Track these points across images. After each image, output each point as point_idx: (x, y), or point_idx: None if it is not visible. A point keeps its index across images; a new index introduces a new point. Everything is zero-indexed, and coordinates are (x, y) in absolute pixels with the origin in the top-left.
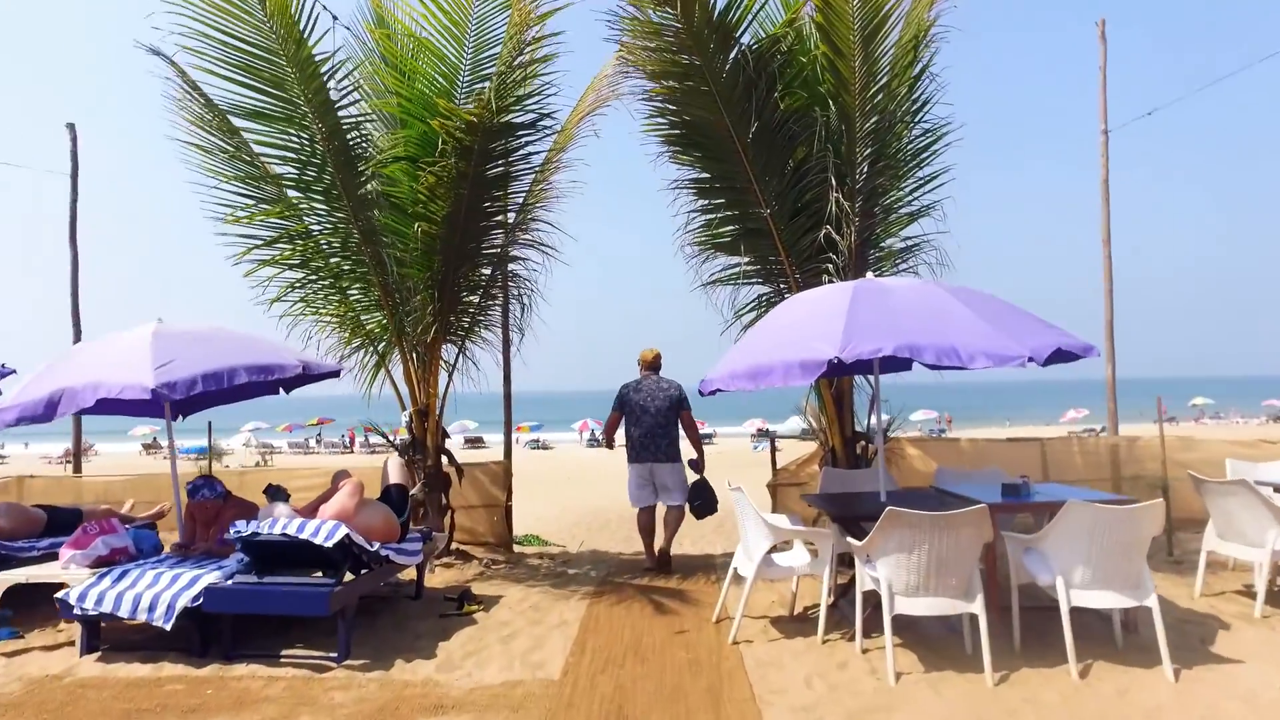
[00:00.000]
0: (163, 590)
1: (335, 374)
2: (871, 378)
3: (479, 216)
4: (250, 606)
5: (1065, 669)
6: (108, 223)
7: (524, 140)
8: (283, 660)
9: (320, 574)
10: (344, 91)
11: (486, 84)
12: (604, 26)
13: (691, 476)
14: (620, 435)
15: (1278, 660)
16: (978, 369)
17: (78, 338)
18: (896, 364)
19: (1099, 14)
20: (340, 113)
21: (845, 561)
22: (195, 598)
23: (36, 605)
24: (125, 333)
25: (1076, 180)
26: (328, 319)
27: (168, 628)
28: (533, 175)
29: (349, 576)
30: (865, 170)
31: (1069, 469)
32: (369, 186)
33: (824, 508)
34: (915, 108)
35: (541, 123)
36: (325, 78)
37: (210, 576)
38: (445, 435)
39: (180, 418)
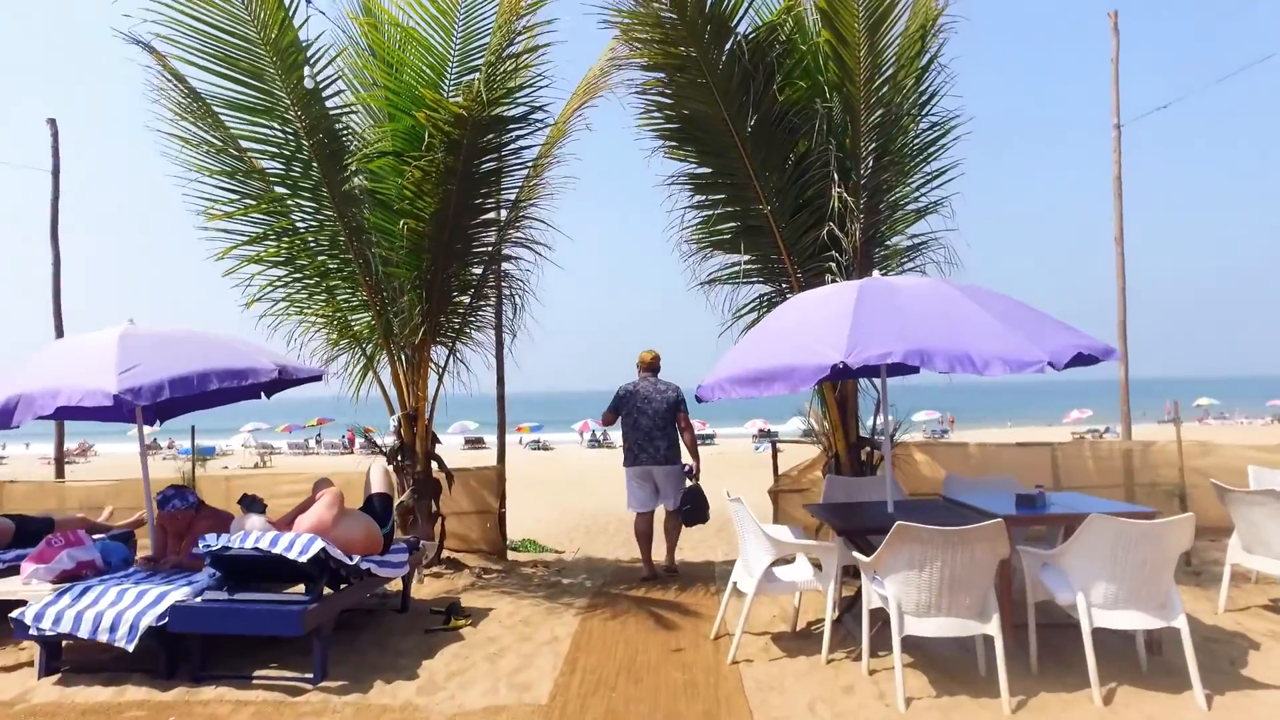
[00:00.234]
0: (125, 609)
1: (317, 377)
2: (875, 381)
3: (469, 213)
4: (218, 626)
5: (1087, 694)
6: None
7: (515, 134)
8: (254, 682)
9: (299, 589)
10: (328, 81)
11: (476, 75)
12: (596, 16)
13: (687, 482)
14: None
15: None
16: (993, 376)
17: (60, 337)
18: (904, 367)
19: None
20: (325, 104)
21: (850, 573)
22: (160, 617)
23: None
24: (92, 335)
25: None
26: (313, 319)
27: (130, 649)
28: (525, 171)
29: (328, 591)
30: (870, 165)
31: (1081, 475)
32: (355, 182)
33: (828, 520)
34: (922, 100)
35: (533, 116)
36: (307, 68)
37: (177, 593)
38: (435, 440)
39: (158, 423)
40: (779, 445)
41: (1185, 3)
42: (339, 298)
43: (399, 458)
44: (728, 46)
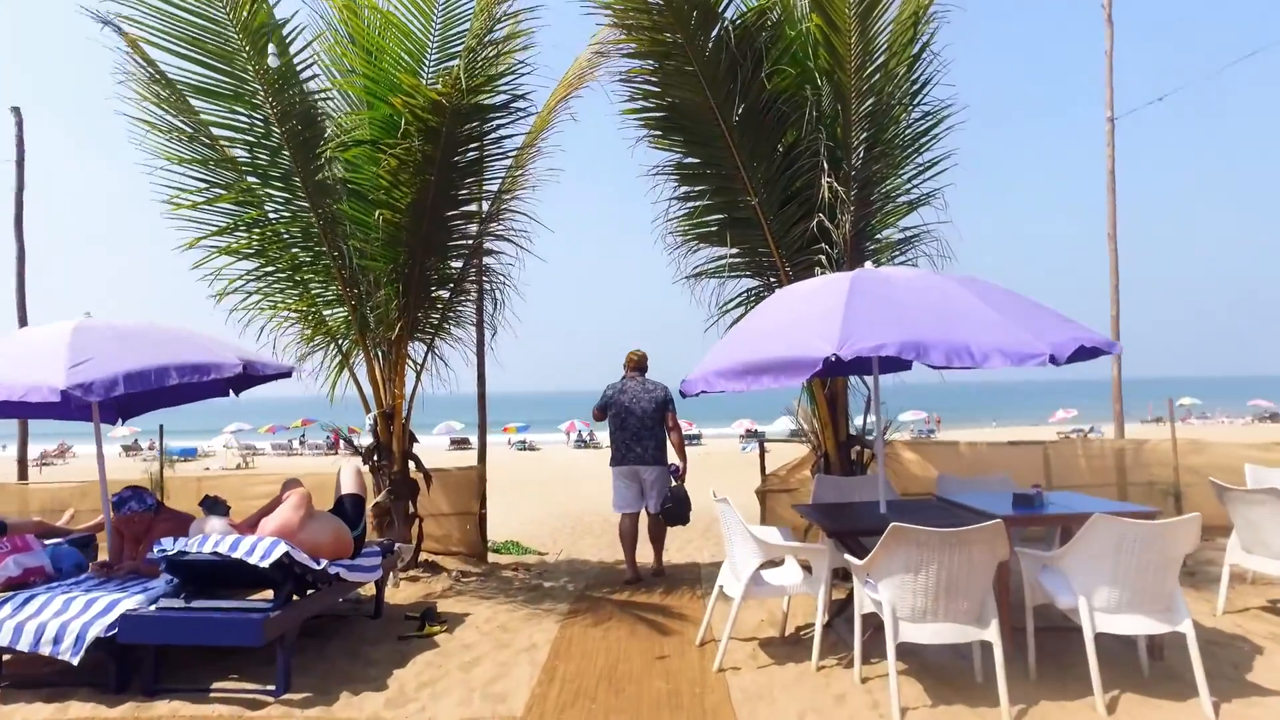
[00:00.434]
0: (72, 619)
1: (287, 374)
2: (866, 378)
3: (448, 205)
4: (172, 637)
5: (1089, 702)
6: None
7: (496, 124)
8: (212, 695)
9: (267, 594)
10: (303, 64)
11: (456, 63)
12: (580, 2)
13: (672, 482)
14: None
15: None
16: (993, 369)
17: None
18: (897, 363)
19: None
20: (298, 90)
21: (840, 575)
22: (109, 627)
23: None
24: (43, 328)
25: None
26: (287, 314)
27: (74, 662)
28: (508, 162)
29: (298, 597)
30: (861, 155)
31: (1074, 474)
32: (329, 172)
33: (818, 521)
34: (914, 89)
35: (515, 105)
36: (278, 53)
37: (129, 602)
38: (413, 439)
39: (120, 422)
40: (766, 444)
41: None
42: (313, 291)
43: (375, 457)
44: (714, 33)
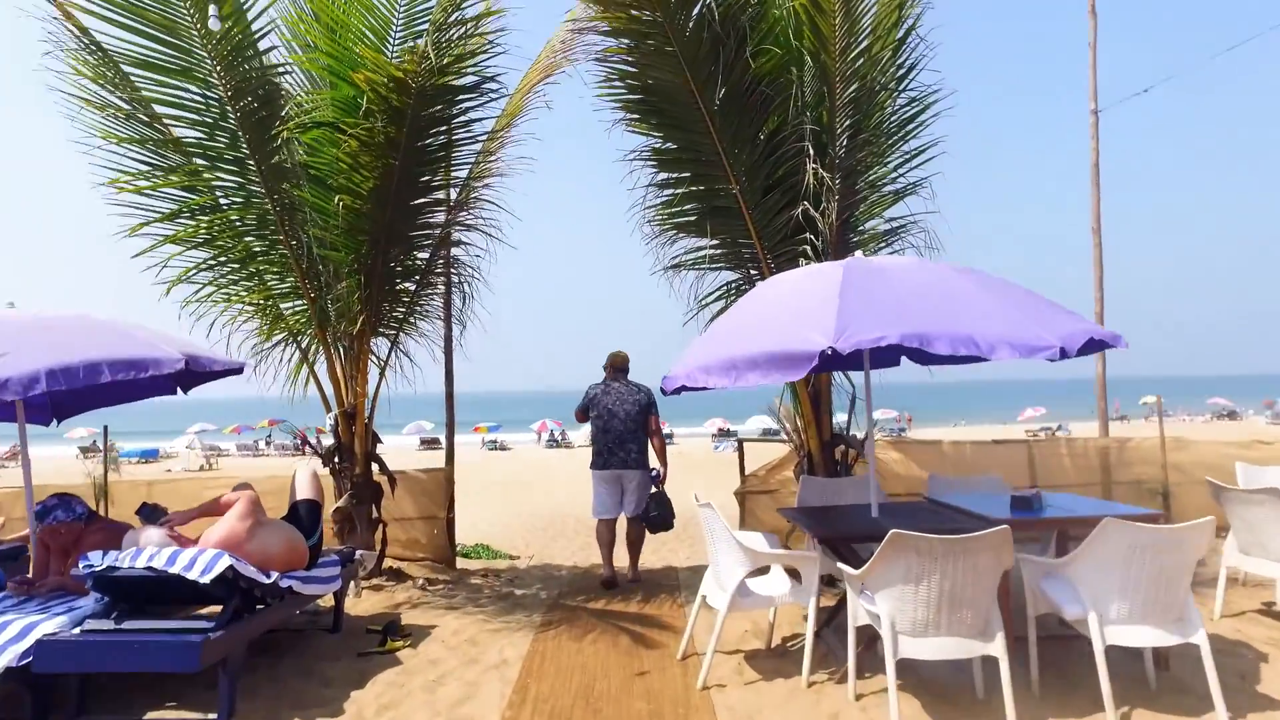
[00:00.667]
0: None
1: (237, 370)
2: (850, 374)
3: (414, 192)
4: (97, 663)
5: (1100, 718)
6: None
7: (466, 107)
8: None
9: (215, 608)
10: (260, 33)
11: (423, 40)
12: None
13: (652, 488)
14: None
15: None
16: (1001, 360)
17: None
18: (885, 360)
19: None
20: (253, 65)
21: (826, 579)
22: (23, 654)
23: None
24: None
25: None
26: (241, 307)
27: None
28: (478, 147)
29: (248, 614)
30: (845, 143)
31: (1058, 473)
32: (286, 154)
33: (807, 526)
34: (900, 73)
35: (486, 86)
36: (232, 20)
37: (48, 624)
38: (376, 440)
39: (55, 422)
40: (745, 443)
41: None
42: (268, 283)
43: (337, 459)
44: (696, 10)
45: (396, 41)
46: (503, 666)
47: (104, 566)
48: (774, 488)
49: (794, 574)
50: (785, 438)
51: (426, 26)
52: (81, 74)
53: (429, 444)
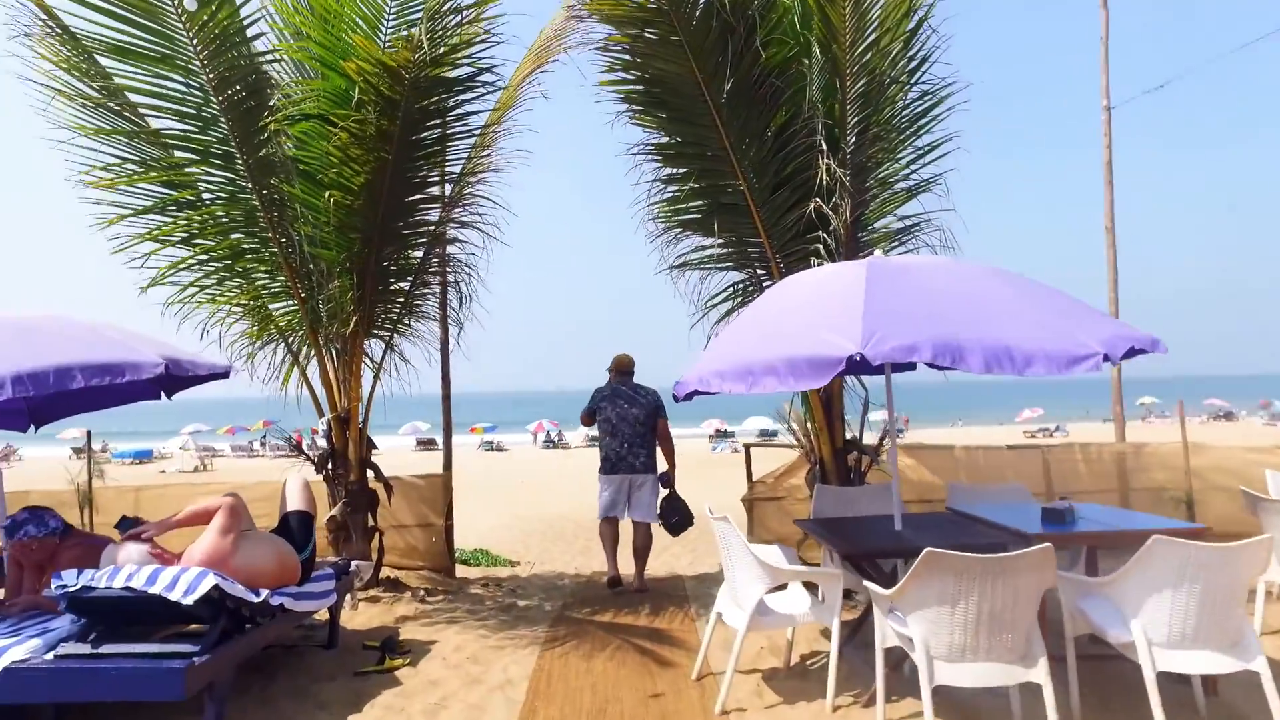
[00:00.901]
0: None
1: (223, 374)
2: (865, 378)
3: (407, 188)
4: (71, 692)
5: None
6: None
7: (462, 99)
8: None
9: (196, 627)
10: (249, 19)
11: (417, 30)
12: None
13: (661, 491)
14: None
15: None
16: (1035, 376)
17: None
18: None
19: None
20: (242, 50)
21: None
22: None
23: None
24: None
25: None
26: (227, 308)
27: None
28: (473, 140)
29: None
30: (854, 140)
31: (1074, 479)
32: (274, 148)
33: (829, 541)
34: (911, 66)
35: (482, 77)
36: (217, 7)
37: (18, 650)
38: (371, 445)
39: (33, 428)
40: (750, 447)
41: None
42: (257, 283)
43: (330, 465)
44: None
45: (390, 30)
46: (507, 687)
47: (78, 587)
48: (782, 494)
49: (810, 586)
50: (793, 441)
51: (420, 15)
52: (50, 60)
53: (425, 445)
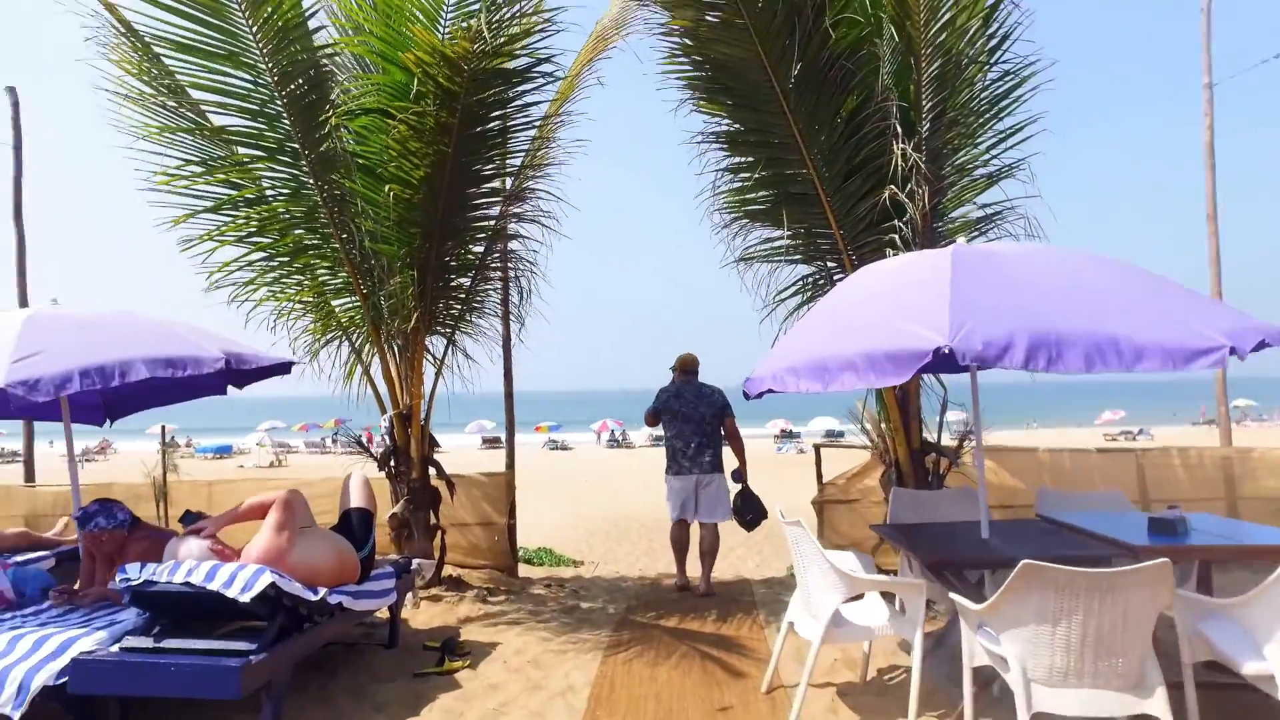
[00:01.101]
0: (15, 662)
1: (285, 368)
2: (942, 375)
3: (468, 181)
4: (131, 686)
5: None
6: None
7: (522, 90)
8: None
9: (259, 625)
10: (310, 11)
11: (475, 21)
12: None
13: (733, 487)
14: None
15: None
16: (1149, 371)
17: None
18: None
19: None
20: (303, 45)
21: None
22: (59, 673)
23: None
24: None
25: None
26: (291, 304)
27: (16, 717)
28: (533, 133)
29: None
30: (928, 125)
31: (1172, 486)
32: (335, 143)
33: (911, 549)
34: (991, 45)
35: (541, 67)
36: (279, 4)
37: (86, 641)
38: (434, 443)
39: (108, 422)
40: (820, 448)
41: None
42: (320, 278)
43: (392, 463)
44: None
45: (449, 22)
46: (569, 694)
47: (140, 581)
48: (854, 497)
49: (886, 596)
50: (863, 442)
51: (479, 6)
52: (125, 69)
53: (490, 443)
